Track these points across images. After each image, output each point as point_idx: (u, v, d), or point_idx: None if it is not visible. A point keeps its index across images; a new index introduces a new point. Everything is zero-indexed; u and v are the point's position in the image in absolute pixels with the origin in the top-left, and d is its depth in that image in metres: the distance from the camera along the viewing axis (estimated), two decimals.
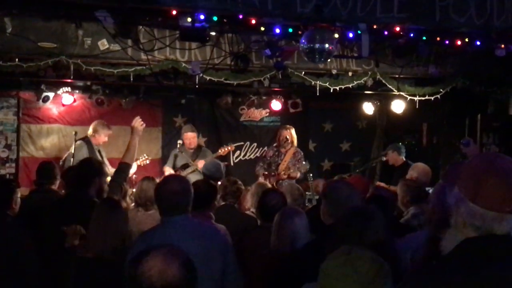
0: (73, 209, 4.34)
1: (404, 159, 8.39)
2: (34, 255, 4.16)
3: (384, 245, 2.82)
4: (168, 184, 3.45)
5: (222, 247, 3.36)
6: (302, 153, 8.45)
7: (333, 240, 2.83)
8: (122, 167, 4.80)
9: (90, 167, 4.65)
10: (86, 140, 7.71)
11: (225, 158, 9.96)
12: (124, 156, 5.07)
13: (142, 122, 5.14)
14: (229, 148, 8.89)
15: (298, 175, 8.20)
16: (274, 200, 4.26)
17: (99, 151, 7.78)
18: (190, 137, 8.55)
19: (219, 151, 8.77)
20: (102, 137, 7.86)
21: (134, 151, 5.20)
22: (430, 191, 6.71)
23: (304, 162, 8.29)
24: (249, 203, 5.93)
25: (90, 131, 7.84)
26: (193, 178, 6.73)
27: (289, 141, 8.29)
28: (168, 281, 2.04)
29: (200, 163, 8.01)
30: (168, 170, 8.35)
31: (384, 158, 8.78)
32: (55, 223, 4.27)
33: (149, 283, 2.05)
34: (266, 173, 8.20)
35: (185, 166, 8.36)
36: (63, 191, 5.95)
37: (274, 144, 8.73)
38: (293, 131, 8.35)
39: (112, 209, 3.80)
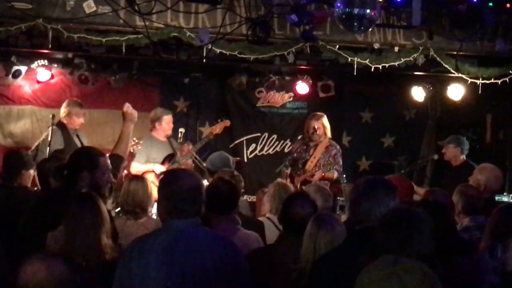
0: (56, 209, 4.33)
1: (465, 158, 8.23)
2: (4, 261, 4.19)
3: (432, 258, 2.83)
4: (177, 180, 3.40)
5: (233, 267, 3.35)
6: (339, 147, 8.37)
7: (371, 248, 2.85)
8: (113, 160, 4.82)
9: (75, 159, 4.64)
10: (60, 124, 7.67)
11: (237, 152, 9.97)
12: (116, 147, 5.16)
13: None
14: (225, 123, 8.73)
15: (335, 175, 8.07)
16: (304, 209, 4.22)
17: (78, 137, 7.76)
18: (171, 121, 8.35)
19: (212, 129, 8.65)
20: (75, 119, 7.83)
21: (128, 142, 5.28)
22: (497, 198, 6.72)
23: (340, 160, 8.18)
24: (267, 208, 5.88)
25: (62, 112, 7.81)
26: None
27: (318, 133, 8.21)
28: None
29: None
30: (138, 168, 8.01)
31: (436, 157, 8.66)
32: (32, 226, 4.30)
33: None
34: (289, 172, 8.11)
35: (171, 158, 8.19)
36: (36, 188, 5.99)
37: (300, 137, 8.64)
38: (325, 119, 8.26)
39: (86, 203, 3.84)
